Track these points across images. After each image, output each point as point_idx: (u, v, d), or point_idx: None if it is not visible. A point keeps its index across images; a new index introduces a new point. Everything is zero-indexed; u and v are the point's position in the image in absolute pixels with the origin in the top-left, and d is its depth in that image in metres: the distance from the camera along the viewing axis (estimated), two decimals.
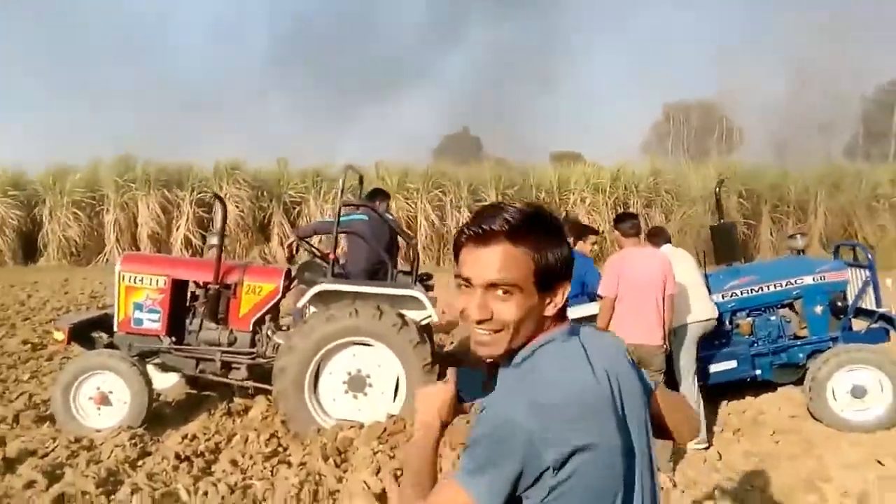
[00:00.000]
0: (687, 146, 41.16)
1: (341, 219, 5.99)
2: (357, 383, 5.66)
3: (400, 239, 6.74)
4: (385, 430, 5.21)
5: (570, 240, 6.56)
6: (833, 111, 44.65)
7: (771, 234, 20.42)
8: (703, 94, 50.94)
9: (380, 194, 7.01)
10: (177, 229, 18.89)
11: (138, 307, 5.99)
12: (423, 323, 5.90)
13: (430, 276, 6.91)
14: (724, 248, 6.76)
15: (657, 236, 5.98)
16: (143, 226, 18.69)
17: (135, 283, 6.01)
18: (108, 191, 18.92)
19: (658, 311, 4.93)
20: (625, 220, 5.34)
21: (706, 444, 5.33)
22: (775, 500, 4.18)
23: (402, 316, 5.62)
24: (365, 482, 4.37)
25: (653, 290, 4.94)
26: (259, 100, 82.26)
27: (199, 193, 19.19)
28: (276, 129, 55.78)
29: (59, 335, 5.77)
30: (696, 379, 5.50)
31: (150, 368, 5.92)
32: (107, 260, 18.12)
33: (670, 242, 5.91)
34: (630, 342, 4.85)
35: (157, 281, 6.02)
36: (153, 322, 5.99)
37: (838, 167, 23.27)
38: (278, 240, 18.69)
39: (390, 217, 6.74)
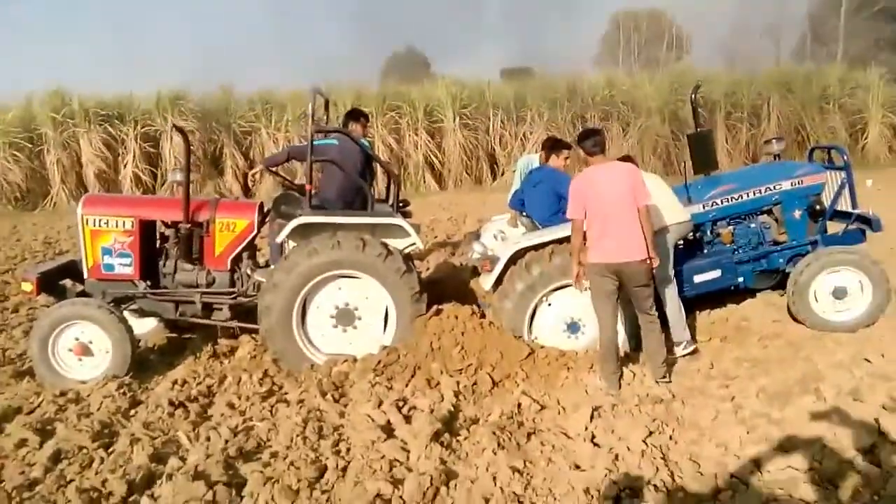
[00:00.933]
0: (637, 55, 40.90)
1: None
2: (346, 317, 5.56)
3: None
4: (379, 361, 5.16)
5: (543, 155, 6.44)
6: (779, 14, 44.68)
7: (726, 141, 20.55)
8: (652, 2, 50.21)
9: (355, 116, 6.67)
10: (124, 166, 18.13)
11: (107, 252, 5.76)
12: (407, 251, 5.78)
13: (406, 203, 6.70)
14: (702, 156, 6.64)
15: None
16: (89, 165, 17.87)
17: (100, 226, 5.75)
18: (45, 129, 17.97)
19: (635, 224, 4.73)
20: (587, 138, 4.97)
21: (693, 347, 5.42)
22: (775, 402, 4.26)
23: (386, 245, 5.50)
24: (368, 415, 4.33)
25: (623, 204, 4.73)
26: (190, 22, 78.25)
27: (144, 128, 18.39)
28: (210, 53, 53.01)
29: (28, 286, 5.52)
30: (676, 286, 5.51)
31: (127, 314, 5.72)
32: (54, 203, 17.40)
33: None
34: (613, 261, 4.83)
35: (125, 223, 5.77)
36: (125, 266, 5.77)
37: (788, 70, 23.36)
38: (232, 173, 18.10)
39: (365, 143, 6.44)
